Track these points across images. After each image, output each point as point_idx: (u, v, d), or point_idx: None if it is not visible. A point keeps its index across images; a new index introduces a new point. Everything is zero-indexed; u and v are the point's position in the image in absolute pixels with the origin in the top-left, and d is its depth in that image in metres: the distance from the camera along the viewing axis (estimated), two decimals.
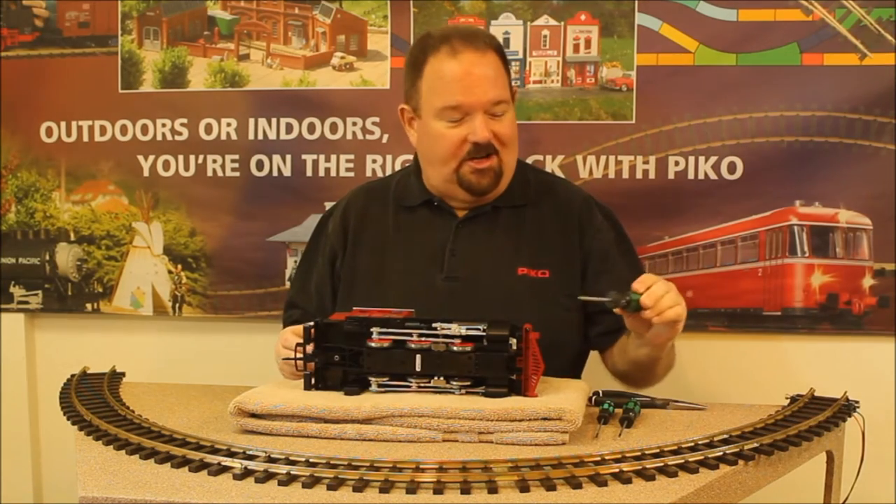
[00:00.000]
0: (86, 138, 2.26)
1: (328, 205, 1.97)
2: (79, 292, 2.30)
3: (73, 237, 2.29)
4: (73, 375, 1.67)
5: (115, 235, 2.28)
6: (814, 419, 1.35)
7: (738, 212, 2.06)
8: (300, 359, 1.40)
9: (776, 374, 2.07)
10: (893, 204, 2.01)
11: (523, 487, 1.08)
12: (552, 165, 2.10)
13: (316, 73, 2.19)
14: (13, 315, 2.32)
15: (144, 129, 2.24)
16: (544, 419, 1.28)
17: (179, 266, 2.25)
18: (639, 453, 1.19)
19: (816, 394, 1.50)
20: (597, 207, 1.76)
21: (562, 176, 2.03)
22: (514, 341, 1.35)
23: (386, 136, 2.16)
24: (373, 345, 1.38)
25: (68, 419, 1.43)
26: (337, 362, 1.40)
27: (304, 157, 2.19)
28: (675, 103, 2.06)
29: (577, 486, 1.09)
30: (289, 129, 2.19)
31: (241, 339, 2.23)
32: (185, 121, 2.22)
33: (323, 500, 1.06)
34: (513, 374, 1.36)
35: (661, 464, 1.15)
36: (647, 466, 1.14)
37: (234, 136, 2.21)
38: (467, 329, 1.36)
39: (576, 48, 2.10)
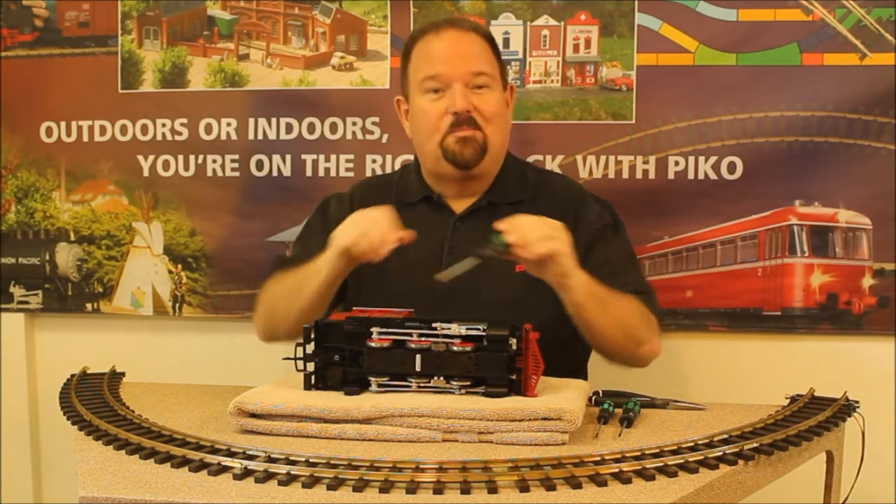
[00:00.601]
0: (86, 138, 2.26)
1: None
2: (79, 292, 2.30)
3: (73, 237, 2.30)
4: (73, 375, 1.67)
5: (115, 235, 2.28)
6: (814, 419, 1.35)
7: (737, 212, 2.06)
8: (300, 359, 1.41)
9: (776, 374, 2.07)
10: (893, 204, 2.01)
11: (523, 487, 1.08)
12: (552, 165, 2.10)
13: (316, 73, 2.19)
14: (13, 315, 2.33)
15: (144, 129, 2.24)
16: (544, 419, 1.28)
17: (179, 266, 2.26)
18: (639, 453, 1.18)
19: (816, 394, 1.50)
20: (593, 200, 1.76)
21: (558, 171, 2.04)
22: (513, 341, 1.35)
23: (386, 136, 2.16)
24: (373, 345, 1.37)
25: (68, 419, 1.42)
26: (337, 362, 1.40)
27: (304, 157, 2.19)
28: (675, 103, 2.06)
29: (577, 486, 1.09)
30: (289, 129, 2.19)
31: (241, 339, 2.23)
32: (184, 121, 2.22)
33: (323, 500, 1.06)
34: (513, 374, 1.36)
35: (661, 464, 1.15)
36: (647, 466, 1.14)
37: (233, 136, 2.21)
38: (467, 329, 1.36)
39: (576, 48, 2.10)
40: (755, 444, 1.22)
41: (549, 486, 1.09)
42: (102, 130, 2.26)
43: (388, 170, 2.15)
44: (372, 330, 1.38)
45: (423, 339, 1.37)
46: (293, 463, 1.14)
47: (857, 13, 2.00)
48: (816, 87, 2.01)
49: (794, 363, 2.08)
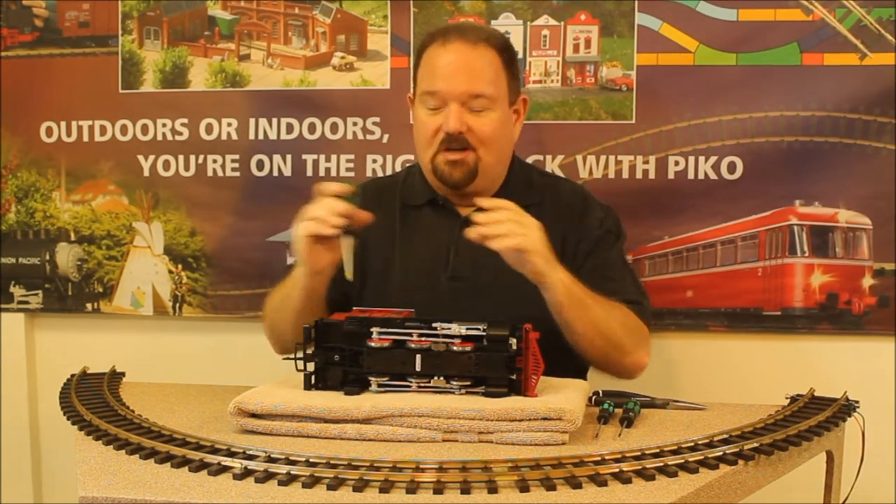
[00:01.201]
0: (86, 138, 2.26)
1: None
2: (79, 292, 2.30)
3: (73, 237, 2.30)
4: (73, 375, 1.67)
5: (116, 235, 2.28)
6: (814, 419, 1.35)
7: (737, 212, 2.06)
8: (300, 359, 1.41)
9: (776, 373, 2.07)
10: (893, 204, 2.01)
11: (523, 487, 1.08)
12: (552, 165, 2.10)
13: (316, 73, 2.19)
14: (13, 315, 2.33)
15: (145, 129, 2.24)
16: (544, 419, 1.28)
17: (180, 266, 2.26)
18: (639, 453, 1.18)
19: (816, 394, 1.50)
20: (599, 207, 1.76)
21: (563, 176, 2.03)
22: (514, 341, 1.35)
23: (386, 136, 2.16)
24: (373, 345, 1.38)
25: (68, 419, 1.42)
26: (337, 362, 1.40)
27: (304, 157, 2.19)
28: (675, 103, 2.06)
29: (577, 486, 1.09)
30: (289, 129, 2.19)
31: (241, 339, 2.23)
32: (185, 121, 2.22)
33: (323, 500, 1.06)
34: (513, 374, 1.36)
35: (661, 464, 1.15)
36: (647, 466, 1.14)
37: (234, 136, 2.21)
38: (467, 329, 1.36)
39: (576, 48, 2.10)
40: (755, 444, 1.22)
41: (549, 486, 1.09)
42: (103, 130, 2.26)
43: (389, 170, 2.15)
44: (372, 330, 1.38)
45: (423, 338, 1.37)
46: (293, 463, 1.14)
47: (857, 13, 2.00)
48: (816, 87, 2.01)
49: (794, 363, 2.08)
